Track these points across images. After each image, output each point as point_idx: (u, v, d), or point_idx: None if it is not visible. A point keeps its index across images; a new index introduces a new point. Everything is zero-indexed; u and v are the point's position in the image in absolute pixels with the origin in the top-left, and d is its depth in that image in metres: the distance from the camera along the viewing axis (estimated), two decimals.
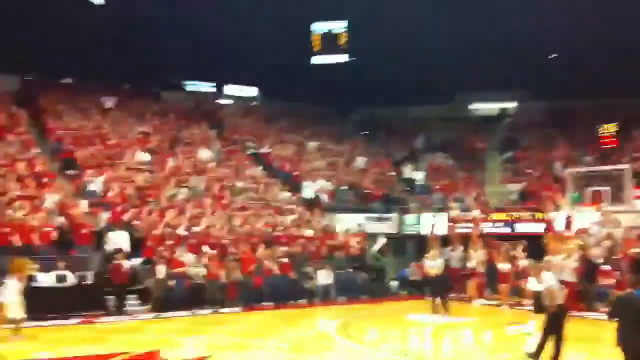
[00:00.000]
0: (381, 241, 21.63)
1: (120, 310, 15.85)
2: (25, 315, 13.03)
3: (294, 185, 25.08)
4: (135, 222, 18.65)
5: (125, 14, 28.34)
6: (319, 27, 34.81)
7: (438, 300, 16.15)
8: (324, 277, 18.78)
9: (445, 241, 19.75)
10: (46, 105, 26.80)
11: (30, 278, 14.46)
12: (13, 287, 12.95)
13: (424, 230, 22.53)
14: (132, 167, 22.54)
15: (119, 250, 16.69)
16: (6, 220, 16.89)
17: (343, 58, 34.62)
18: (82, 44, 28.01)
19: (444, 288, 16.69)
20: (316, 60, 34.85)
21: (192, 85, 35.00)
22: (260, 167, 26.23)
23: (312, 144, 29.70)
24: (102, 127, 25.59)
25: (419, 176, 27.60)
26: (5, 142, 22.08)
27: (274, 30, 29.71)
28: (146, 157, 23.63)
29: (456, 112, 34.26)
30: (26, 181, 19.53)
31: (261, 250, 18.86)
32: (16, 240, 16.48)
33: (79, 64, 29.04)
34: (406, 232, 23.48)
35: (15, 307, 12.82)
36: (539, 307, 10.95)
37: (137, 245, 17.67)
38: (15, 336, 12.77)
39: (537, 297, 11.19)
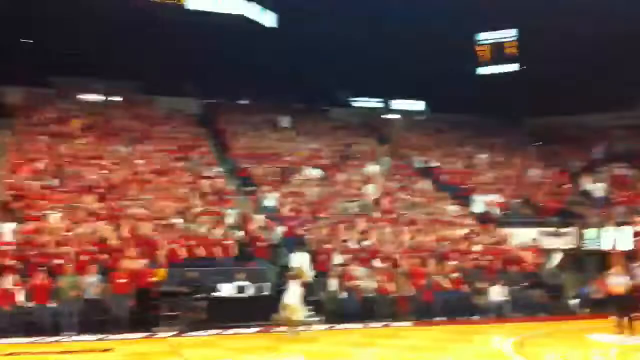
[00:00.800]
0: (558, 256, 20.58)
1: None
2: (306, 314, 15.05)
3: (464, 199, 24.62)
4: (308, 236, 19.22)
5: (295, 35, 29.48)
6: (486, 37, 34.11)
7: (624, 319, 15.05)
8: (497, 293, 18.20)
9: (630, 256, 18.43)
10: (225, 125, 28.52)
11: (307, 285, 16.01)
12: (295, 291, 14.78)
13: (606, 245, 21.16)
14: (304, 183, 23.32)
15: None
16: (191, 233, 18.14)
17: (513, 67, 33.62)
18: (257, 66, 29.50)
19: (631, 306, 15.52)
20: (484, 70, 34.13)
21: (360, 102, 35.59)
22: (429, 181, 26.04)
23: (481, 157, 29.02)
24: (276, 145, 26.74)
25: (598, 188, 25.98)
26: (190, 161, 23.77)
27: (440, 43, 29.50)
28: (317, 172, 24.34)
29: None
30: (208, 197, 20.86)
31: (431, 265, 18.68)
32: (200, 252, 17.63)
33: (254, 85, 30.60)
34: (586, 248, 22.18)
35: (298, 309, 14.71)
36: None
37: (310, 259, 18.16)
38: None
39: None
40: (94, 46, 27.86)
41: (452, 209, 23.71)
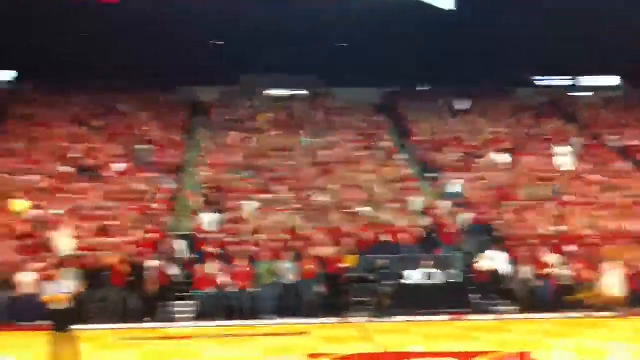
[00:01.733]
0: None
1: (486, 309, 16.02)
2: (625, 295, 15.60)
3: None
4: (496, 222, 18.71)
5: (475, 17, 28.67)
6: None
7: None
8: None
9: None
10: (406, 112, 28.54)
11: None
12: (615, 274, 15.60)
13: None
14: (489, 168, 22.72)
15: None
16: (377, 221, 18.39)
17: None
18: (435, 51, 29.12)
19: None
20: None
21: (546, 80, 33.93)
22: (626, 161, 24.21)
23: None
24: (458, 130, 26.29)
25: None
26: (372, 149, 24.10)
27: (635, 7, 27.21)
28: (502, 156, 23.57)
29: None
30: (392, 185, 21.02)
31: (635, 251, 17.36)
32: (387, 239, 17.81)
33: (433, 70, 30.26)
34: None
35: (615, 288, 15.46)
36: None
37: (498, 245, 17.63)
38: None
39: None
40: (277, 43, 29.08)
41: None
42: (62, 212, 17.99)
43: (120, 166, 21.43)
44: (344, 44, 29.70)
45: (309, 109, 28.73)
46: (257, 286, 15.65)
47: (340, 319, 15.20)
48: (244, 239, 17.10)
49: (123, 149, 22.87)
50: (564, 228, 18.48)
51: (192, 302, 15.38)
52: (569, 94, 32.81)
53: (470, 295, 16.24)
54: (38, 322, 12.67)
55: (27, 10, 24.40)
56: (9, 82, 28.43)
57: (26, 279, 14.92)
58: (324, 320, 15.02)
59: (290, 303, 15.59)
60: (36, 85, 27.58)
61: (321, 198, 19.68)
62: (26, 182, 20.01)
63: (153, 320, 14.80)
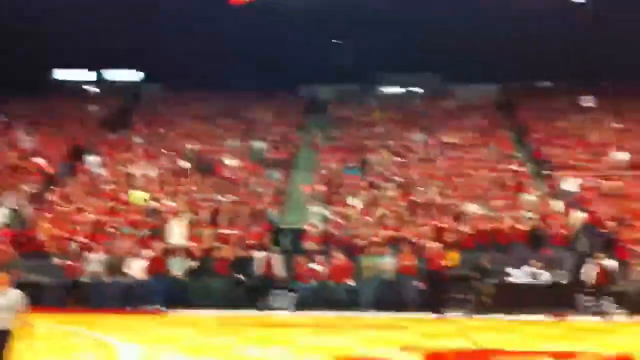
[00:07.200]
0: None
1: (592, 311, 15.32)
2: None
3: None
4: (610, 223, 17.80)
5: (605, 11, 27.17)
6: None
7: None
8: None
9: None
10: (524, 109, 27.64)
11: None
12: None
13: None
14: (610, 167, 21.64)
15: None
16: (486, 218, 17.99)
17: None
18: (561, 46, 27.93)
19: None
20: None
21: None
22: None
23: None
24: (579, 128, 25.18)
25: None
26: (488, 146, 23.58)
27: None
28: (625, 155, 22.33)
29: None
30: (505, 182, 20.51)
31: None
32: (494, 238, 17.42)
33: (554, 66, 29.10)
34: None
35: None
36: None
37: (610, 246, 16.82)
38: None
39: None
40: (398, 43, 28.92)
41: None
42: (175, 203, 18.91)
43: (234, 162, 22.29)
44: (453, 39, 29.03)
45: (426, 107, 28.58)
46: (357, 280, 15.87)
47: (437, 315, 15.09)
48: (348, 233, 17.34)
49: (239, 145, 23.82)
50: None
51: (293, 294, 15.80)
52: None
53: (575, 296, 15.59)
54: None
55: None
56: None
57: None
58: (421, 315, 14.98)
59: (390, 298, 15.67)
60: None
61: (428, 195, 19.54)
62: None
63: (255, 309, 15.38)
